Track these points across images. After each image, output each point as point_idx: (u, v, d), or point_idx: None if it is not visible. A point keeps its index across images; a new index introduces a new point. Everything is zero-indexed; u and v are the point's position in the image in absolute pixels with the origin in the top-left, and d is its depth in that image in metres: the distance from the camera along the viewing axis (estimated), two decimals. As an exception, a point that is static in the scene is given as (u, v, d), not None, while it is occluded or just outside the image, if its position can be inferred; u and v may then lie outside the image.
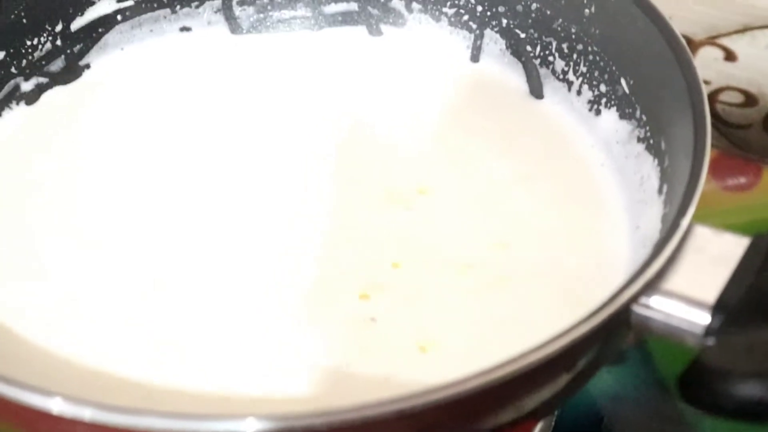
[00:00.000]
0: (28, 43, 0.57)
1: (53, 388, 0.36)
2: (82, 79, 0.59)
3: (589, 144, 0.54)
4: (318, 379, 0.43)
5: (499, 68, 0.58)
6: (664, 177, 0.47)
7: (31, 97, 0.57)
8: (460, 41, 0.59)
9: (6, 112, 0.56)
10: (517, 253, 0.49)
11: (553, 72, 0.56)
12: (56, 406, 0.35)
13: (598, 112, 0.54)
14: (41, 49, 0.57)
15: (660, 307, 0.39)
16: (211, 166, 0.53)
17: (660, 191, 0.47)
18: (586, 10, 0.54)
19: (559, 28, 0.56)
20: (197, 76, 0.59)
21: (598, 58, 0.54)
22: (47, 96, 0.57)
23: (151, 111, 0.57)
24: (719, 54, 0.62)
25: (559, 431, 0.50)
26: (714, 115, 0.60)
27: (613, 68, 0.53)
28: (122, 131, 0.55)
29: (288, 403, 0.43)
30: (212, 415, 0.35)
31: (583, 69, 0.55)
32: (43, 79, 0.57)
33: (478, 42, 0.59)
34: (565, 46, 0.55)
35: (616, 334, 0.40)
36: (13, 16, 0.56)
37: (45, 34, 0.57)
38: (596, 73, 0.54)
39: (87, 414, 0.35)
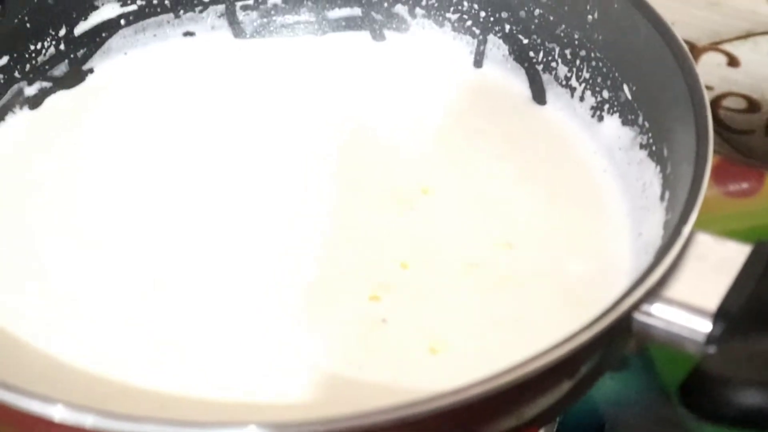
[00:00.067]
0: (32, 47, 0.57)
1: (52, 389, 0.36)
2: (85, 83, 0.59)
3: (591, 150, 0.54)
4: (320, 381, 0.43)
5: (502, 74, 0.58)
6: (667, 184, 0.47)
7: (35, 102, 0.57)
8: (464, 46, 0.59)
9: (10, 117, 0.56)
10: (521, 254, 0.49)
11: (556, 78, 0.56)
12: (57, 413, 0.35)
13: (600, 119, 0.54)
14: (45, 54, 0.58)
15: (661, 315, 0.39)
16: (214, 169, 0.53)
17: (662, 198, 0.47)
18: (589, 16, 0.54)
19: (562, 34, 0.56)
20: (200, 81, 0.59)
21: (600, 64, 0.54)
22: (51, 100, 0.58)
23: (155, 115, 0.57)
24: (722, 60, 0.62)
25: (561, 437, 0.51)
26: (717, 120, 0.60)
27: (616, 74, 0.53)
28: (125, 135, 0.55)
29: (290, 406, 0.43)
30: (214, 422, 0.35)
31: (586, 75, 0.55)
32: (46, 84, 0.58)
33: (481, 47, 0.59)
34: (568, 52, 0.56)
35: (618, 341, 0.40)
36: (17, 21, 0.56)
37: (49, 39, 0.58)
38: (599, 79, 0.54)
39: (89, 421, 0.35)
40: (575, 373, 0.39)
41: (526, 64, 0.57)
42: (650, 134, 0.50)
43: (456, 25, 0.59)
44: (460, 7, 0.59)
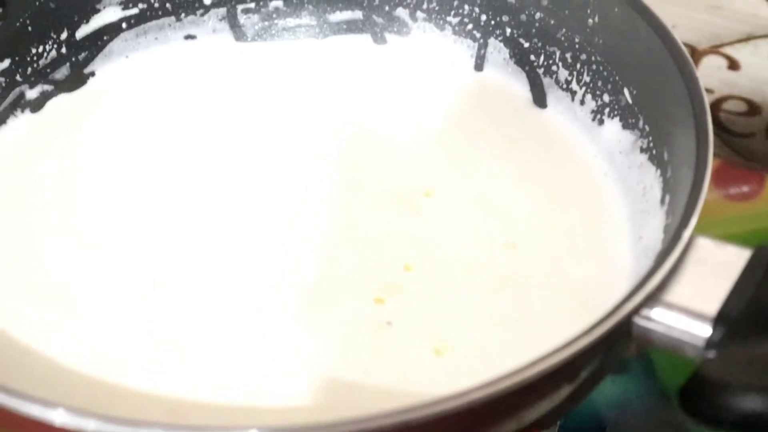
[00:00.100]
0: (34, 50, 0.57)
1: (52, 390, 0.36)
2: (87, 86, 0.59)
3: (592, 153, 0.54)
4: (321, 383, 0.43)
5: (503, 77, 0.58)
6: (667, 187, 0.48)
7: (36, 105, 0.57)
8: (464, 50, 0.59)
9: (11, 120, 0.56)
10: (523, 255, 0.49)
11: (557, 81, 0.56)
12: (58, 417, 0.35)
13: (601, 122, 0.54)
14: (46, 57, 0.58)
15: (661, 319, 0.39)
16: (214, 171, 0.54)
17: (662, 201, 0.47)
18: (590, 20, 0.54)
19: (562, 38, 0.56)
20: (202, 84, 0.59)
21: (601, 67, 0.54)
22: (52, 103, 0.58)
23: (156, 118, 0.57)
24: (722, 63, 0.62)
25: (561, 440, 0.51)
26: (717, 124, 0.60)
27: (617, 78, 0.53)
28: (127, 138, 0.55)
29: (291, 409, 0.43)
30: (215, 426, 0.35)
31: (587, 78, 0.55)
32: (48, 87, 0.58)
33: (482, 51, 0.59)
34: (568, 55, 0.56)
35: (618, 346, 0.40)
36: (18, 24, 0.56)
37: (50, 42, 0.58)
38: (599, 83, 0.54)
39: (90, 426, 0.35)
40: (575, 378, 0.39)
41: (526, 68, 0.57)
42: (651, 138, 0.50)
43: (457, 28, 0.59)
44: (461, 11, 0.59)
